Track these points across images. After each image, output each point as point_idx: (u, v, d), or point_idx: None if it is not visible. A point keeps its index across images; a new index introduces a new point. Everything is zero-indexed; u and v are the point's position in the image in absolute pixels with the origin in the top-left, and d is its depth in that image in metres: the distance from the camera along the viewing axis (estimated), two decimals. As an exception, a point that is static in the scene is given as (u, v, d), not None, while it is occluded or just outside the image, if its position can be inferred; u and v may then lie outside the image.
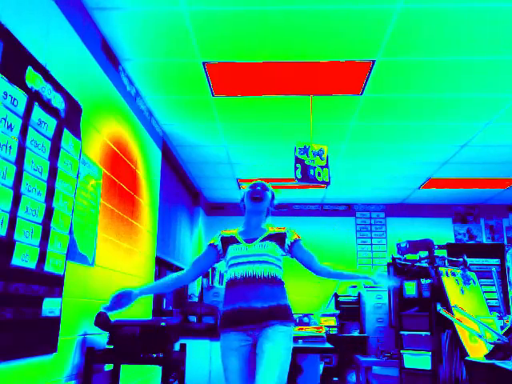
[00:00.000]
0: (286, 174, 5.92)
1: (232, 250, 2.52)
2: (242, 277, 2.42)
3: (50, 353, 2.34)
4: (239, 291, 2.40)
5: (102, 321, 2.79)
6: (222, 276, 6.82)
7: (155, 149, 4.39)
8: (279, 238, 2.54)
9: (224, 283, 2.53)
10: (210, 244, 2.61)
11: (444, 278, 5.02)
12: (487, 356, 3.23)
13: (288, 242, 2.55)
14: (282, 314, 2.37)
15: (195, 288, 6.61)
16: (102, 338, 2.96)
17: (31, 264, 2.13)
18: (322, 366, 5.66)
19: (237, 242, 2.54)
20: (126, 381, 3.35)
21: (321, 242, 7.39)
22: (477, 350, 4.36)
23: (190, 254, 6.61)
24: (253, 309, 2.35)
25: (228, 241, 2.57)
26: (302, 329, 4.14)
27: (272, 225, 2.65)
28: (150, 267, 4.25)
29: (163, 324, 2.83)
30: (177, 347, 3.25)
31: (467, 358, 3.88)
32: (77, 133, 2.59)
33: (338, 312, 6.58)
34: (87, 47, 2.81)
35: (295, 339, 3.67)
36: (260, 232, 2.58)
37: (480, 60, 3.29)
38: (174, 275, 2.57)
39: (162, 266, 5.32)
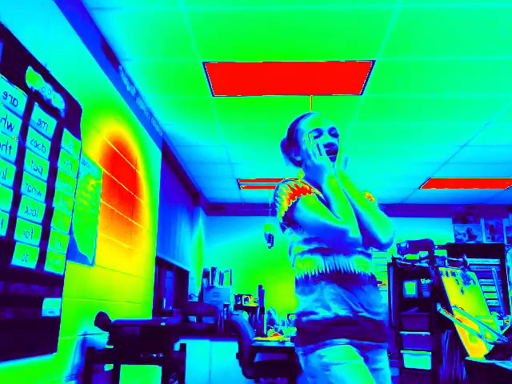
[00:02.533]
0: (286, 174, 5.91)
1: None
2: (357, 272, 1.68)
3: (49, 353, 2.34)
4: (355, 291, 1.65)
5: (101, 321, 2.79)
6: (222, 276, 6.82)
7: (155, 149, 4.39)
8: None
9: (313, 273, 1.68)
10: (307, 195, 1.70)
11: (444, 278, 5.02)
12: (487, 356, 3.23)
13: None
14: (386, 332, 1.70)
15: (195, 288, 6.61)
16: (101, 338, 2.96)
17: (31, 264, 2.13)
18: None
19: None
20: (126, 381, 3.35)
21: (321, 241, 7.37)
22: (477, 350, 4.36)
23: (190, 254, 6.61)
24: (374, 320, 1.64)
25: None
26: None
27: None
28: (150, 267, 4.25)
29: (163, 324, 2.83)
30: (177, 347, 3.25)
31: (467, 358, 3.88)
32: (77, 133, 2.59)
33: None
34: (87, 47, 2.81)
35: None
36: None
37: (480, 60, 3.29)
38: None
39: (162, 266, 5.32)
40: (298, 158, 1.85)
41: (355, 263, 1.67)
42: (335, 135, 1.76)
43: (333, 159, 1.74)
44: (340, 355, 1.54)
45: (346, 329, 1.57)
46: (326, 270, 1.65)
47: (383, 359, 1.65)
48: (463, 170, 5.74)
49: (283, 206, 1.70)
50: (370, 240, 1.71)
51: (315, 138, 1.74)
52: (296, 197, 1.67)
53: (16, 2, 2.08)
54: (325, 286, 1.63)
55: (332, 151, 1.74)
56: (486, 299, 5.46)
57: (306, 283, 1.67)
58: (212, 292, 6.51)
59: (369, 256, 1.75)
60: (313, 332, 1.59)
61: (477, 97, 3.85)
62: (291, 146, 1.86)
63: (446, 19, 2.83)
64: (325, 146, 1.72)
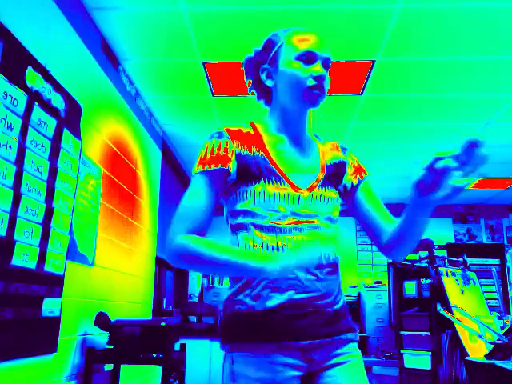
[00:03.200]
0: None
1: (263, 194, 1.23)
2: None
3: (50, 353, 2.34)
4: (293, 277, 1.21)
5: (101, 321, 2.79)
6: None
7: (155, 149, 4.39)
8: (338, 174, 1.36)
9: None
10: (212, 169, 1.23)
11: (444, 278, 5.02)
12: (487, 356, 3.23)
13: (348, 179, 1.37)
14: (351, 321, 1.30)
15: (195, 288, 6.61)
16: (101, 338, 2.96)
17: (31, 264, 2.13)
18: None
19: (275, 175, 1.25)
20: (126, 381, 3.35)
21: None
22: (477, 350, 4.36)
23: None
24: (317, 309, 1.20)
25: (251, 165, 1.25)
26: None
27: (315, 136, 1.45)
28: (150, 267, 4.25)
29: (163, 324, 2.83)
30: (177, 347, 3.25)
31: (467, 358, 3.88)
32: (77, 133, 2.59)
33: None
34: (87, 47, 2.81)
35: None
36: (313, 159, 1.34)
37: (480, 60, 3.29)
38: (204, 242, 1.21)
39: (162, 266, 5.32)
40: (269, 83, 1.32)
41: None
42: (327, 67, 1.30)
43: (314, 101, 1.26)
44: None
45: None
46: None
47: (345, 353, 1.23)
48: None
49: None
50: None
51: (304, 63, 1.25)
52: (198, 168, 1.25)
53: (16, 2, 2.08)
54: None
55: (320, 88, 1.25)
56: (486, 299, 5.46)
57: None
58: (212, 292, 6.52)
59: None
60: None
61: (477, 97, 3.85)
62: (265, 62, 1.34)
63: (445, 19, 2.83)
64: (314, 78, 1.24)
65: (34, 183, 2.14)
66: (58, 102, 2.38)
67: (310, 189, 1.26)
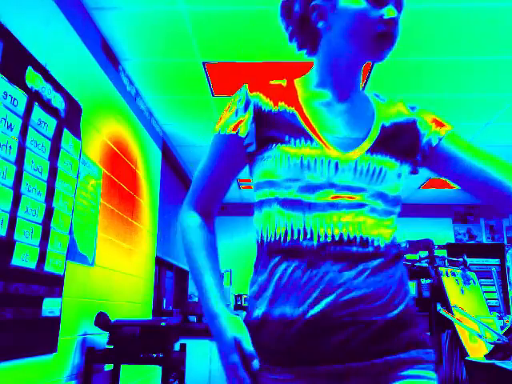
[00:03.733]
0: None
1: (288, 158, 0.96)
2: (327, 240, 0.92)
3: (49, 353, 2.34)
4: (316, 275, 0.90)
5: (101, 321, 2.79)
6: (222, 276, 6.81)
7: (155, 149, 4.39)
8: (402, 138, 1.03)
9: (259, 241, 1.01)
10: (223, 133, 1.04)
11: (444, 278, 5.02)
12: (487, 356, 3.23)
13: (430, 136, 1.05)
14: (419, 333, 0.93)
15: (195, 288, 6.61)
16: (102, 338, 2.96)
17: (31, 264, 2.13)
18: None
19: (305, 134, 0.97)
20: (126, 381, 3.35)
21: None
22: (477, 350, 4.36)
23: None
24: (358, 318, 0.88)
25: (275, 123, 0.99)
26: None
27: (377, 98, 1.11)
28: (150, 267, 4.25)
29: (163, 324, 2.83)
30: (177, 347, 3.25)
31: (467, 358, 3.88)
32: (77, 133, 2.59)
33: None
34: (87, 47, 2.81)
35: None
36: (363, 118, 1.04)
37: (480, 60, 3.29)
38: (200, 243, 1.04)
39: (162, 266, 5.32)
40: (321, 25, 1.02)
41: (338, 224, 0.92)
42: (400, 8, 1.02)
43: (381, 52, 0.98)
44: None
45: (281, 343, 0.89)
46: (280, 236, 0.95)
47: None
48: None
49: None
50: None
51: (373, 5, 0.96)
52: (217, 127, 1.06)
53: (16, 1, 2.08)
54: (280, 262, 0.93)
55: (390, 36, 0.97)
56: (486, 299, 5.46)
57: (257, 256, 1.01)
58: (212, 292, 6.51)
59: (372, 210, 0.94)
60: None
61: (477, 97, 3.85)
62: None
63: (446, 19, 2.83)
64: (385, 22, 0.95)
65: (34, 183, 2.14)
66: (58, 102, 2.38)
67: (355, 154, 0.95)
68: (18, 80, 2.03)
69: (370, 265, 0.90)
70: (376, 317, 0.87)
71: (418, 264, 5.42)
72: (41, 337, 2.25)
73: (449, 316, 4.56)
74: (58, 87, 2.39)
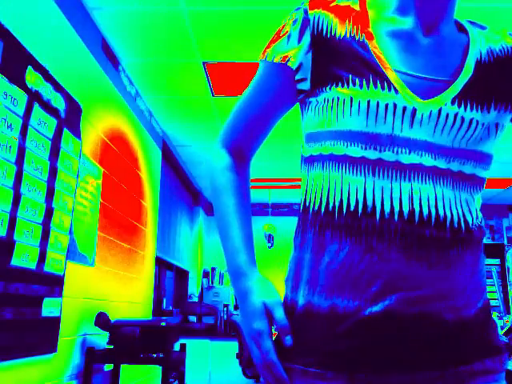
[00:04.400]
0: (286, 173, 5.92)
1: (350, 103, 0.73)
2: (393, 218, 0.71)
3: (49, 353, 2.34)
4: (378, 262, 0.70)
5: (102, 321, 2.79)
6: (222, 276, 6.82)
7: (155, 149, 4.39)
8: (506, 75, 0.79)
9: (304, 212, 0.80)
10: (270, 61, 0.82)
11: (444, 278, 5.02)
12: (487, 356, 3.23)
13: None
14: (496, 337, 0.77)
15: (195, 288, 6.61)
16: (102, 338, 2.96)
17: (31, 264, 2.13)
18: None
19: (375, 72, 0.74)
20: (126, 381, 3.35)
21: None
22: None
23: (190, 254, 6.61)
24: (425, 319, 0.70)
25: (337, 54, 0.76)
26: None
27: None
28: (150, 267, 4.25)
29: (163, 324, 2.83)
30: (177, 347, 3.25)
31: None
32: (77, 133, 2.59)
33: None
34: (87, 47, 2.81)
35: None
36: (454, 54, 0.79)
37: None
38: (229, 188, 0.87)
39: (162, 266, 5.32)
40: None
41: (417, 195, 0.72)
42: None
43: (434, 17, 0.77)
44: None
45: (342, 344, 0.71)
46: (336, 204, 0.74)
47: None
48: (463, 169, 5.75)
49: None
50: None
51: None
52: (264, 52, 0.84)
53: (16, 1, 2.08)
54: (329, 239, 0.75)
55: None
56: (486, 299, 5.45)
57: (300, 228, 0.81)
58: (212, 292, 6.52)
59: (457, 181, 0.75)
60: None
61: (477, 97, 3.85)
62: None
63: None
64: None
65: (34, 183, 2.14)
66: (58, 102, 2.38)
67: (439, 101, 0.73)
68: (18, 80, 2.03)
69: (445, 254, 0.71)
70: (449, 316, 0.70)
71: (418, 264, 5.42)
72: (41, 337, 2.25)
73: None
74: (58, 87, 2.39)
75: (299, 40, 0.78)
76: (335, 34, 0.76)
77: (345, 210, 0.72)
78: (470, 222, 0.74)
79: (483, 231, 0.77)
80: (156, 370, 3.93)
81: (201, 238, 6.99)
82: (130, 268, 3.66)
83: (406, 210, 0.70)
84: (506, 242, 7.38)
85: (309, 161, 0.80)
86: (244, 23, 2.89)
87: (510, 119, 0.81)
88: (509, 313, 6.08)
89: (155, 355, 2.79)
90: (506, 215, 7.58)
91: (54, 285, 2.35)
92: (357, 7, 0.79)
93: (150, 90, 3.82)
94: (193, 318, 5.74)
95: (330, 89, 0.75)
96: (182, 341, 3.39)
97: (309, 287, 0.74)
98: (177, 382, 3.67)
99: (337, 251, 0.72)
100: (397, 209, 0.70)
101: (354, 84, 0.73)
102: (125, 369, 3.25)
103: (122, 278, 3.47)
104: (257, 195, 7.15)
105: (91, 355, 2.72)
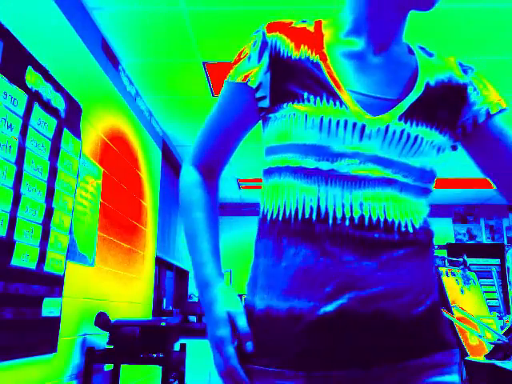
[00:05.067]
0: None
1: (305, 119, 0.78)
2: (345, 224, 0.76)
3: (50, 353, 2.34)
4: (332, 264, 0.75)
5: (101, 321, 2.79)
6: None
7: (155, 149, 4.39)
8: (449, 104, 0.85)
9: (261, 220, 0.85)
10: (233, 81, 0.90)
11: (444, 278, 5.02)
12: (487, 356, 3.23)
13: (477, 109, 0.86)
14: (446, 332, 0.81)
15: (195, 288, 6.61)
16: (102, 338, 2.96)
17: (31, 264, 2.13)
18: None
19: (328, 91, 0.79)
20: (126, 381, 3.35)
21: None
22: (477, 350, 4.36)
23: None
24: (378, 315, 0.74)
25: (293, 73, 0.82)
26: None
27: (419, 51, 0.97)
28: (150, 267, 4.25)
29: (163, 324, 2.83)
30: (177, 347, 3.25)
31: (467, 357, 3.88)
32: (77, 133, 2.59)
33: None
34: (87, 47, 2.81)
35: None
36: (402, 75, 0.86)
37: (480, 60, 3.29)
38: (198, 203, 0.92)
39: (162, 266, 5.32)
40: None
41: (360, 201, 0.77)
42: None
43: (430, 1, 0.85)
44: None
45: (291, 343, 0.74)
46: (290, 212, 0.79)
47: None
48: (463, 169, 5.75)
49: None
50: None
51: None
52: (228, 73, 0.92)
53: (16, 1, 2.08)
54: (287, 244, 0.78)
55: None
56: (486, 299, 5.46)
57: (259, 235, 0.85)
58: (212, 292, 6.51)
59: (406, 187, 0.80)
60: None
61: (477, 97, 3.85)
62: None
63: (445, 19, 2.83)
64: None
65: (34, 183, 2.14)
66: (58, 102, 2.38)
67: (386, 118, 0.78)
68: (18, 80, 2.03)
69: (394, 255, 0.75)
70: (400, 314, 0.74)
71: (418, 264, 5.42)
72: (41, 337, 2.25)
73: (449, 316, 4.56)
74: (58, 87, 2.39)
75: (258, 61, 0.84)
76: (291, 55, 0.82)
77: (300, 218, 0.77)
78: (417, 226, 0.79)
79: (430, 234, 0.82)
80: (156, 370, 3.93)
81: (201, 238, 6.97)
82: (130, 268, 3.66)
83: (356, 215, 0.75)
84: (506, 241, 7.38)
85: (268, 172, 0.85)
86: (244, 23, 2.89)
87: (451, 146, 0.88)
88: (509, 313, 6.08)
89: (155, 355, 2.79)
90: (506, 215, 7.58)
91: (54, 285, 2.35)
92: (312, 29, 0.85)
93: (149, 90, 3.82)
94: (193, 318, 5.73)
95: (287, 106, 0.80)
96: (182, 341, 3.39)
97: (268, 291, 0.78)
98: (177, 381, 3.67)
99: (293, 256, 0.76)
100: (348, 215, 0.75)
101: (309, 101, 0.78)
102: (125, 369, 3.25)
103: (122, 277, 3.47)
104: (257, 195, 7.15)
105: (91, 355, 2.72)
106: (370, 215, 0.75)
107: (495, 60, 3.28)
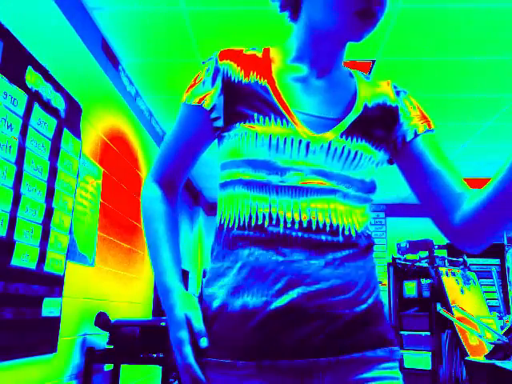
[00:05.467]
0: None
1: (259, 138, 0.87)
2: (294, 227, 0.84)
3: (49, 353, 2.34)
4: (282, 263, 0.83)
5: (101, 321, 2.79)
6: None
7: (155, 149, 4.39)
8: (383, 123, 0.96)
9: (218, 227, 0.95)
10: (189, 104, 0.96)
11: (444, 278, 5.02)
12: (487, 356, 3.23)
13: (406, 129, 0.97)
14: (387, 330, 0.88)
15: (195, 288, 6.61)
16: (102, 338, 2.96)
17: (31, 264, 2.13)
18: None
19: (275, 111, 0.88)
20: (126, 381, 3.35)
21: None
22: (477, 350, 4.36)
23: (190, 254, 6.61)
24: (324, 310, 0.81)
25: (244, 96, 0.91)
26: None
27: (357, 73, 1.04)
28: (150, 267, 4.25)
29: (163, 324, 2.83)
30: (177, 347, 3.24)
31: (467, 358, 3.88)
32: (77, 133, 2.59)
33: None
34: (87, 47, 2.81)
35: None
36: (343, 97, 0.95)
37: (480, 60, 3.29)
38: (158, 216, 0.98)
39: (162, 266, 5.31)
40: None
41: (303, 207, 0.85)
42: None
43: (359, 33, 0.90)
44: None
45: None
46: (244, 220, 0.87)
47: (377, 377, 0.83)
48: (463, 169, 5.75)
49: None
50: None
51: None
52: (184, 96, 0.97)
53: (16, 2, 2.08)
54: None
55: (372, 15, 0.88)
56: (486, 299, 5.46)
57: (216, 243, 0.93)
58: (212, 292, 6.51)
59: (343, 195, 0.88)
60: None
61: (477, 97, 3.85)
62: None
63: (445, 19, 2.83)
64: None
65: (34, 183, 2.14)
66: (58, 102, 2.38)
67: (329, 135, 0.87)
68: (18, 80, 2.03)
69: (339, 255, 0.84)
70: (344, 310, 0.81)
71: (418, 264, 5.43)
72: (41, 337, 2.25)
73: (449, 316, 4.56)
74: (58, 87, 2.39)
75: (212, 85, 0.92)
76: (242, 80, 0.91)
77: (253, 224, 0.85)
78: (359, 231, 0.88)
79: (370, 240, 0.91)
80: (156, 370, 3.93)
81: (201, 238, 6.99)
82: (130, 268, 3.66)
83: (304, 220, 0.83)
84: (505, 242, 7.37)
85: (223, 186, 0.93)
86: (244, 23, 2.89)
87: (387, 160, 0.99)
88: (509, 313, 6.08)
89: (155, 355, 2.79)
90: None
91: (54, 285, 2.35)
92: (261, 56, 0.95)
93: (150, 89, 3.82)
94: (193, 318, 5.73)
95: (239, 125, 0.88)
96: (182, 341, 3.38)
97: (224, 290, 0.85)
98: (177, 381, 3.66)
99: (247, 256, 0.84)
100: (297, 219, 0.83)
101: (259, 121, 0.86)
102: (125, 369, 3.25)
103: (122, 278, 3.47)
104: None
105: (91, 355, 2.72)
106: (317, 220, 0.84)
107: (495, 60, 3.28)
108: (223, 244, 0.89)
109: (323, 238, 0.83)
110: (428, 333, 4.99)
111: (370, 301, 0.85)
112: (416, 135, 0.95)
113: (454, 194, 0.89)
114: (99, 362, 2.81)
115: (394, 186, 6.56)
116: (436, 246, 5.90)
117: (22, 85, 2.06)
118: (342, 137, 0.88)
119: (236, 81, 0.91)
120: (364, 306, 0.84)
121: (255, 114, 0.87)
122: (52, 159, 2.31)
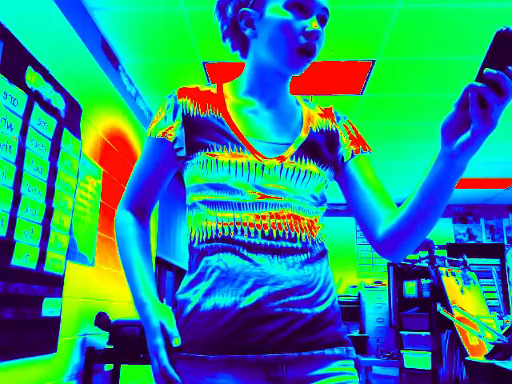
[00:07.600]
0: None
1: (219, 164, 0.98)
2: (257, 236, 0.95)
3: (49, 353, 2.34)
4: (248, 266, 0.93)
5: (101, 321, 2.79)
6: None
7: (155, 149, 4.39)
8: (328, 146, 1.08)
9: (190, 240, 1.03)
10: (153, 137, 1.06)
11: (444, 278, 5.02)
12: (487, 356, 3.23)
13: (344, 150, 1.09)
14: (342, 331, 0.99)
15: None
16: (102, 338, 2.96)
17: (31, 264, 2.13)
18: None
19: (232, 140, 1.00)
20: (126, 381, 3.35)
21: (321, 241, 7.38)
22: (477, 350, 4.36)
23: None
24: (288, 308, 0.91)
25: (202, 129, 1.02)
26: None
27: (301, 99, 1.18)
28: (150, 267, 4.25)
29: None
30: (177, 347, 3.24)
31: (467, 358, 3.88)
32: (77, 133, 2.59)
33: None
34: (87, 47, 2.81)
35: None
36: (291, 125, 1.08)
37: (480, 60, 3.29)
38: (132, 239, 1.08)
39: (162, 266, 5.32)
40: (248, 33, 1.06)
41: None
42: (324, 21, 1.02)
43: (299, 66, 1.00)
44: None
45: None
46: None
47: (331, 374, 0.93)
48: (463, 170, 5.75)
49: None
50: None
51: (297, 17, 0.98)
52: (148, 130, 1.07)
53: (16, 2, 2.08)
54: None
55: (311, 50, 0.98)
56: (486, 299, 5.46)
57: (190, 257, 1.04)
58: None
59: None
60: None
61: (477, 97, 3.85)
62: (247, 4, 1.08)
63: (445, 19, 2.83)
64: (307, 35, 0.97)
65: (34, 183, 2.14)
66: (58, 101, 2.38)
67: (281, 158, 0.99)
68: (18, 80, 2.03)
69: (299, 259, 0.94)
70: (305, 310, 0.91)
71: (417, 264, 5.43)
72: (41, 337, 2.25)
73: (449, 316, 4.56)
74: (58, 87, 2.39)
75: (173, 120, 1.03)
76: (199, 113, 1.02)
77: (220, 236, 0.95)
78: (314, 239, 0.99)
79: (324, 247, 1.02)
80: (156, 370, 3.93)
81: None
82: (130, 268, 3.66)
83: (266, 230, 0.94)
84: (506, 242, 7.38)
85: (191, 207, 1.03)
86: (244, 23, 2.90)
87: (333, 177, 1.09)
88: (509, 313, 6.08)
89: (155, 355, 2.78)
90: (506, 215, 7.58)
91: (54, 285, 2.35)
92: (215, 91, 1.07)
93: (149, 90, 3.82)
94: (193, 318, 5.73)
95: (200, 154, 0.98)
96: (182, 341, 3.38)
97: (197, 295, 0.94)
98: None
99: (217, 261, 0.94)
100: (259, 230, 0.94)
101: (218, 149, 0.97)
102: (125, 369, 3.25)
103: (122, 278, 3.47)
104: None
105: (91, 355, 2.72)
106: (277, 230, 0.94)
107: (495, 60, 3.28)
108: (195, 256, 0.98)
109: (283, 244, 0.94)
110: (428, 333, 4.99)
111: (328, 302, 0.96)
112: (352, 156, 1.08)
113: (379, 212, 1.01)
114: (99, 362, 2.81)
115: (394, 186, 6.57)
116: (436, 246, 5.91)
117: (21, 85, 2.06)
118: (292, 159, 1.00)
119: (194, 115, 1.02)
120: (323, 308, 0.94)
121: (214, 144, 0.98)
122: (52, 159, 2.31)
